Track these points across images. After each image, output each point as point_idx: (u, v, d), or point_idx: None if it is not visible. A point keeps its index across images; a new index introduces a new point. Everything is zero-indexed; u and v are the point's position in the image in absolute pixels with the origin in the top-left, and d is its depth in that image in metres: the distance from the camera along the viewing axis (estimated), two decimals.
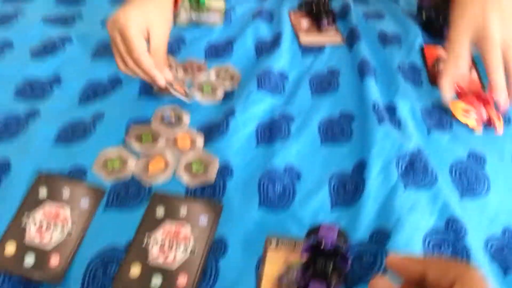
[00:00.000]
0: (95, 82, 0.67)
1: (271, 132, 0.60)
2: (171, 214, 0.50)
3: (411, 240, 0.48)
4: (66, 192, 0.51)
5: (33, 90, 0.65)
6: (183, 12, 0.79)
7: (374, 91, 0.64)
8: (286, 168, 0.55)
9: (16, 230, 0.48)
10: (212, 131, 0.59)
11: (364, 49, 0.72)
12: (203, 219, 0.49)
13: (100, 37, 0.75)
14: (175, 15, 0.79)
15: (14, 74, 0.67)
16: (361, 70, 0.68)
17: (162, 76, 0.58)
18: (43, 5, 0.83)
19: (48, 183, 0.52)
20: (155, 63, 0.57)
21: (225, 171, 0.54)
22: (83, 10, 0.83)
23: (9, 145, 0.57)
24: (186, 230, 0.48)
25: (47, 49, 0.72)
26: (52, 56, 0.71)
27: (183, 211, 0.50)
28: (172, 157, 0.56)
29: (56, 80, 0.67)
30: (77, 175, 0.53)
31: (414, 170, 0.54)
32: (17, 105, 0.62)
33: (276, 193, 0.52)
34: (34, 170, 0.53)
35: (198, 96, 0.65)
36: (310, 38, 0.76)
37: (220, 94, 0.66)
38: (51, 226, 0.48)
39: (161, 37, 0.59)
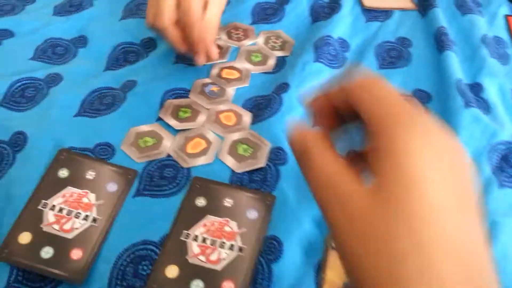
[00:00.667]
0: (126, 45, 0.58)
1: None
2: (214, 205, 0.41)
3: (509, 249, 0.38)
4: (90, 174, 0.43)
5: (54, 52, 0.57)
6: None
7: (457, 67, 0.53)
8: None
9: (31, 215, 0.40)
10: (262, 108, 0.50)
11: (440, 16, 0.61)
12: (252, 213, 0.40)
13: None
14: None
15: (34, 32, 0.58)
16: (439, 41, 0.57)
17: (205, 51, 0.50)
18: None
19: (69, 162, 0.43)
20: (204, 35, 0.48)
21: (277, 156, 0.45)
22: None
23: (25, 115, 0.49)
24: (231, 225, 0.40)
25: (72, 5, 0.63)
26: (77, 13, 0.62)
27: (228, 202, 0.41)
28: (214, 137, 0.47)
29: (81, 41, 0.59)
30: (103, 153, 0.45)
31: (511, 165, 0.44)
32: (35, 68, 0.54)
33: None
34: (54, 146, 0.45)
35: (245, 65, 0.55)
36: (375, 1, 0.65)
37: (271, 64, 0.56)
38: (72, 213, 0.40)
39: (218, 7, 0.49)
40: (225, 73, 0.54)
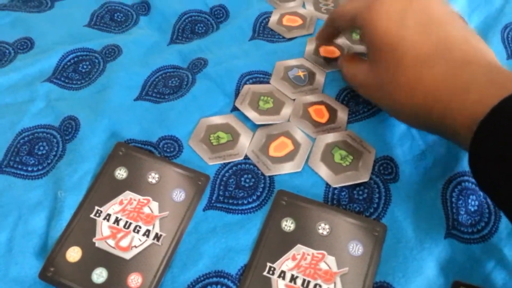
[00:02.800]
0: (194, 14, 0.49)
1: None
2: (306, 231, 0.32)
3: None
4: (153, 176, 0.35)
5: (113, 19, 0.48)
6: None
7: None
8: None
9: (83, 226, 0.33)
10: (361, 102, 0.40)
11: None
12: (356, 247, 0.31)
13: None
14: None
15: None
16: None
17: None
18: None
19: (128, 160, 0.36)
20: None
21: (385, 169, 0.35)
22: None
23: (78, 95, 0.41)
24: (329, 261, 0.31)
25: None
26: None
27: (323, 228, 0.32)
28: (303, 137, 0.37)
29: (143, 7, 0.50)
30: (168, 150, 0.37)
31: None
32: (91, 37, 0.46)
33: (470, 211, 0.32)
34: (110, 137, 0.38)
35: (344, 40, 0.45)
36: None
37: None
38: (131, 226, 0.32)
39: None
40: (324, 51, 0.44)
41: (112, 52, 0.44)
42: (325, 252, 0.31)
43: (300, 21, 0.47)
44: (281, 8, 0.49)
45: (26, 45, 0.45)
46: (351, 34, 0.46)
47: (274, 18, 0.48)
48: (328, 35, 0.40)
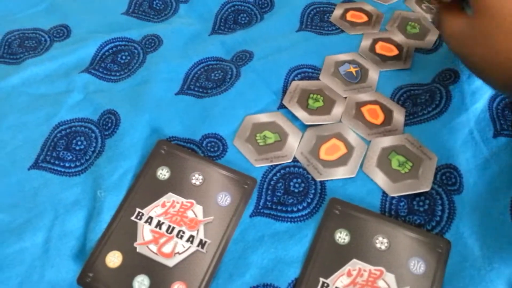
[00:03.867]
0: (236, 3, 0.46)
1: None
2: (362, 244, 0.30)
3: None
4: (196, 178, 0.33)
5: (151, 6, 0.46)
6: None
7: None
8: None
9: (124, 228, 0.31)
10: (420, 103, 0.37)
11: None
12: (417, 264, 0.29)
13: None
14: None
15: None
16: None
17: None
18: None
19: (171, 159, 0.34)
20: None
21: (448, 178, 0.32)
22: None
23: (117, 88, 0.39)
24: (388, 278, 0.28)
25: None
26: None
27: (380, 242, 0.29)
28: (356, 139, 0.35)
29: None
30: (211, 149, 0.35)
31: None
32: (130, 26, 0.44)
33: None
34: (151, 133, 0.36)
35: (398, 37, 0.42)
36: None
37: (430, 39, 0.42)
38: (174, 231, 0.31)
39: None
40: (380, 48, 0.41)
41: (152, 43, 0.42)
42: (383, 269, 0.29)
43: (365, 18, 0.44)
44: (346, 4, 0.46)
45: (62, 32, 0.43)
46: (406, 28, 0.43)
47: (337, 13, 0.44)
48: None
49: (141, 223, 0.31)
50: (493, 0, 0.28)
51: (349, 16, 0.45)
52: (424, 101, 0.37)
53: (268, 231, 0.31)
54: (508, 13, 0.27)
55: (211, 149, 0.35)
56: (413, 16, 0.44)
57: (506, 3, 0.27)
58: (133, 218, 0.31)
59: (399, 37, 0.42)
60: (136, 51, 0.41)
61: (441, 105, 0.36)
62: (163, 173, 0.33)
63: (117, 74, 0.40)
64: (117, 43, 0.42)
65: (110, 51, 0.41)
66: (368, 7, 0.46)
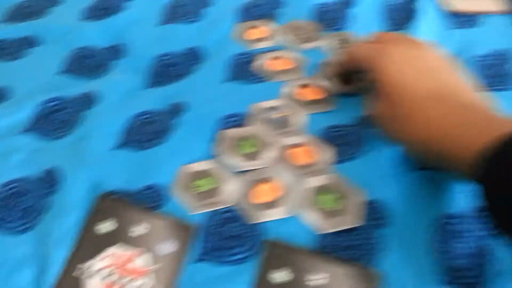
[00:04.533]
0: (167, 56, 0.49)
1: None
2: (300, 283, 0.32)
3: None
4: (140, 228, 0.34)
5: (86, 64, 0.48)
6: None
7: None
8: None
9: (69, 285, 0.32)
10: (348, 142, 0.41)
11: None
12: None
13: None
14: None
15: (61, 40, 0.50)
16: None
17: None
18: None
19: (113, 212, 0.35)
20: None
21: (375, 213, 0.36)
22: None
23: (57, 146, 0.40)
24: None
25: (103, 8, 0.54)
26: (110, 17, 0.53)
27: (317, 279, 0.32)
28: (287, 181, 0.38)
29: (116, 51, 0.50)
30: (152, 199, 0.37)
31: None
32: (65, 85, 0.45)
33: (465, 255, 0.33)
34: (92, 188, 0.37)
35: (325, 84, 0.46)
36: (463, 4, 0.55)
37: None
38: (122, 282, 0.32)
39: None
40: (304, 92, 0.45)
41: (90, 99, 0.44)
42: None
43: (289, 65, 0.48)
44: (272, 53, 0.50)
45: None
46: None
47: (260, 62, 0.48)
48: (340, 74, 0.44)
49: (85, 278, 0.32)
50: (393, 93, 0.34)
51: (272, 64, 0.48)
52: (350, 140, 0.41)
53: (211, 275, 0.33)
54: (409, 103, 0.33)
55: (150, 200, 0.37)
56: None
57: (401, 93, 0.34)
58: (76, 273, 0.32)
59: (323, 82, 0.46)
60: (73, 109, 0.43)
61: (364, 143, 0.40)
62: (105, 226, 0.35)
63: (57, 132, 0.41)
64: (54, 102, 0.43)
65: (47, 110, 0.43)
66: (290, 54, 0.50)
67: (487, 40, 0.51)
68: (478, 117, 0.31)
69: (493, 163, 0.27)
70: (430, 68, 0.35)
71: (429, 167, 0.37)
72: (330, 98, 0.45)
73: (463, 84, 0.35)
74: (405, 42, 0.38)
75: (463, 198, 0.36)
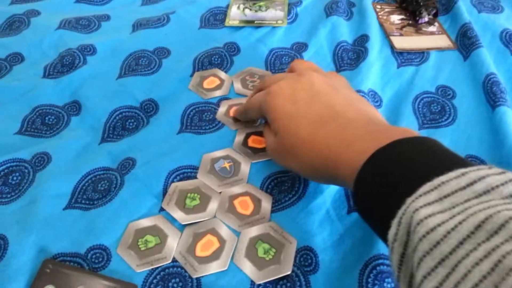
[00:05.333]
0: (124, 110, 0.51)
1: None
2: None
3: None
4: None
5: (44, 122, 0.50)
6: (235, 9, 0.61)
7: None
8: None
9: None
10: (283, 190, 0.42)
11: (487, 60, 0.52)
12: None
13: (131, 49, 0.58)
14: (225, 14, 0.61)
15: (21, 100, 0.52)
16: (489, 94, 0.48)
17: None
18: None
19: (56, 277, 0.36)
20: None
21: (305, 260, 0.37)
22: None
23: (6, 211, 0.42)
24: None
25: (64, 65, 0.56)
26: (69, 74, 0.55)
27: None
28: (228, 232, 0.39)
29: (74, 108, 0.52)
30: (96, 260, 0.38)
31: None
32: (22, 146, 0.47)
33: None
34: (39, 252, 0.38)
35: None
36: (407, 42, 0.57)
37: None
38: None
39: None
40: (252, 141, 0.46)
41: (42, 160, 0.45)
42: None
43: None
44: (228, 100, 0.51)
45: None
46: None
47: (222, 110, 0.50)
48: (244, 119, 0.48)
49: None
50: (287, 123, 0.37)
51: (232, 112, 0.50)
52: (287, 188, 0.42)
53: None
54: (297, 130, 0.36)
55: (95, 261, 0.38)
56: None
57: (292, 125, 0.37)
58: None
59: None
60: (26, 171, 0.44)
61: (299, 191, 0.41)
62: None
63: (8, 196, 0.42)
64: (8, 164, 0.45)
65: (1, 173, 0.44)
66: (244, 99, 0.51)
67: (431, 76, 0.53)
68: (358, 133, 0.33)
69: (356, 187, 0.29)
70: (313, 96, 0.37)
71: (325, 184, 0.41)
72: None
73: (344, 101, 0.37)
74: (288, 78, 0.40)
75: None
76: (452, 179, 0.24)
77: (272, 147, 0.40)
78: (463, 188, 0.23)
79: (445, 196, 0.23)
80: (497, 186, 0.23)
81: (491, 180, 0.23)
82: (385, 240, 0.26)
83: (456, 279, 0.20)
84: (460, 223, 0.21)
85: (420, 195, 0.24)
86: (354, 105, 0.37)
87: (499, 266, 0.19)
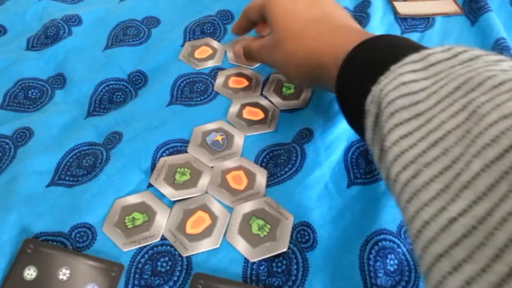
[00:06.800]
0: (111, 82, 0.48)
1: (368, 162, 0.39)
2: None
3: None
4: (63, 272, 0.33)
5: (27, 96, 0.47)
6: None
7: None
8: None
9: None
10: (279, 163, 0.39)
11: (497, 23, 0.49)
12: None
13: (118, 19, 0.55)
14: None
15: (3, 73, 0.49)
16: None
17: None
18: None
19: (37, 258, 0.34)
20: None
21: (302, 236, 0.35)
22: None
23: None
24: None
25: (48, 36, 0.53)
26: (54, 46, 0.52)
27: None
28: (220, 208, 0.37)
29: (58, 81, 0.49)
30: (80, 239, 0.35)
31: None
32: (3, 121, 0.45)
33: (389, 272, 0.32)
34: (20, 231, 0.36)
35: (274, 99, 0.45)
36: (411, 7, 0.53)
37: (305, 97, 0.45)
38: None
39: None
40: (247, 113, 0.44)
41: (23, 136, 0.43)
42: None
43: (246, 82, 0.47)
44: (225, 70, 0.49)
45: None
46: (281, 90, 0.46)
47: (220, 81, 0.48)
48: (243, 26, 0.48)
49: None
50: (282, 20, 0.39)
51: (231, 83, 0.47)
52: (283, 161, 0.39)
53: None
54: (291, 23, 0.38)
55: (79, 240, 0.35)
56: None
57: (288, 21, 0.39)
58: None
59: (275, 99, 0.45)
60: (7, 147, 0.42)
61: (296, 164, 0.39)
62: (29, 273, 0.34)
63: None
64: None
65: None
66: (247, 71, 0.48)
67: (437, 42, 0.50)
68: (347, 31, 0.35)
69: (342, 67, 0.31)
70: (315, 1, 0.40)
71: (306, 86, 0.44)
72: (272, 117, 0.43)
73: (343, 14, 0.40)
74: None
75: (390, 214, 0.35)
76: (438, 52, 0.24)
77: (261, 43, 0.42)
78: (448, 58, 0.24)
79: (430, 65, 0.24)
80: (482, 55, 0.23)
81: (476, 52, 0.24)
82: (358, 126, 0.29)
83: (429, 129, 0.21)
84: (441, 87, 0.22)
85: (407, 63, 0.24)
86: (346, 16, 0.40)
87: (473, 115, 0.20)
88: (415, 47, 0.27)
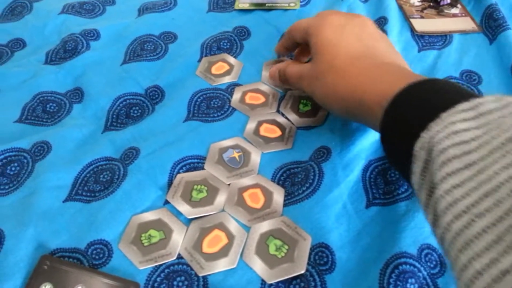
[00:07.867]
0: (128, 97, 0.48)
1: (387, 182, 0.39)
2: None
3: None
4: None
5: (45, 110, 0.47)
6: None
7: None
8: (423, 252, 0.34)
9: None
10: (296, 182, 0.39)
11: None
12: None
13: (136, 34, 0.55)
14: None
15: (21, 87, 0.49)
16: None
17: None
18: None
19: (53, 274, 0.34)
20: None
21: (320, 258, 0.34)
22: None
23: (4, 203, 0.40)
24: None
25: (66, 50, 0.53)
26: (72, 60, 0.52)
27: None
28: (237, 227, 0.36)
29: (76, 95, 0.49)
30: (97, 256, 0.35)
31: None
32: (21, 135, 0.45)
33: None
34: (37, 247, 0.36)
35: (291, 116, 0.45)
36: (428, 25, 0.53)
37: (322, 114, 0.45)
38: None
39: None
40: (264, 130, 0.43)
41: (42, 150, 0.43)
42: None
43: (262, 99, 0.47)
44: (242, 86, 0.49)
45: None
46: (298, 107, 0.46)
47: (236, 96, 0.48)
48: (287, 46, 0.48)
49: None
50: (326, 49, 0.38)
51: (248, 99, 0.47)
52: (300, 180, 0.39)
53: None
54: (334, 58, 0.37)
55: (96, 257, 0.35)
56: (304, 94, 0.47)
57: (333, 52, 0.38)
58: None
59: (292, 116, 0.45)
60: (25, 161, 0.42)
61: (314, 183, 0.38)
62: None
63: (6, 187, 0.40)
64: (7, 154, 0.42)
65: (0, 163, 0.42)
66: (263, 87, 0.48)
67: (455, 60, 0.49)
68: (392, 70, 0.34)
69: (387, 111, 0.30)
70: (361, 34, 0.39)
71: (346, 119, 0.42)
72: (289, 135, 0.43)
73: (386, 49, 0.39)
74: (345, 14, 0.42)
75: (410, 237, 0.34)
76: (489, 101, 0.24)
77: (304, 72, 0.41)
78: (499, 108, 0.24)
79: (481, 115, 0.24)
80: None
81: None
82: (404, 169, 0.28)
83: (481, 180, 0.21)
84: (493, 138, 0.22)
85: (458, 112, 0.25)
86: (391, 52, 0.39)
87: None
88: (464, 94, 0.27)
